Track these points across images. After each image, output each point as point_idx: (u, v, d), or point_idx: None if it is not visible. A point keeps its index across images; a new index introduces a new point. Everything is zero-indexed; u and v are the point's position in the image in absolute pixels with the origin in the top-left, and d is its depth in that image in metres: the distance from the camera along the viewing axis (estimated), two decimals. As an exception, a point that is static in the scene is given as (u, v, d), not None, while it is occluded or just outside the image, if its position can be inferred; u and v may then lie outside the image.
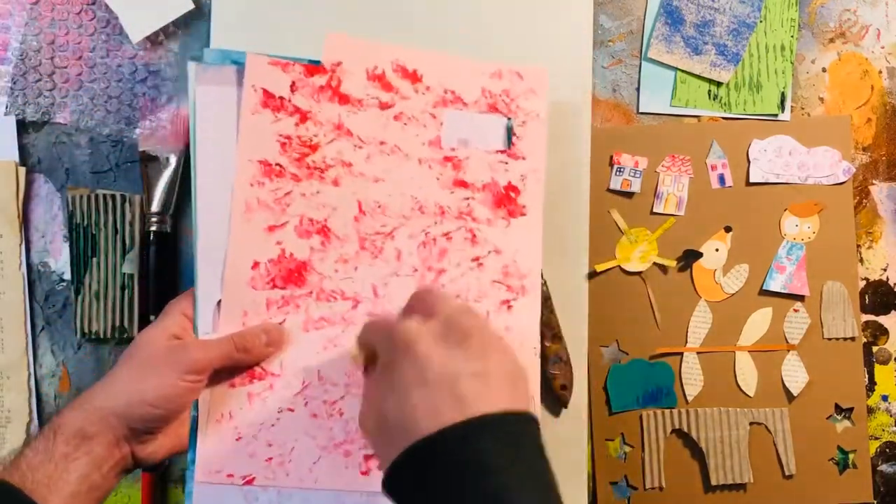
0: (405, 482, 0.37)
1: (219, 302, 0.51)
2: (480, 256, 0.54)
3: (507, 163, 0.55)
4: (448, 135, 0.55)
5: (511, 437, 0.37)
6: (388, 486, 0.38)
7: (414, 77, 0.55)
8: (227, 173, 0.52)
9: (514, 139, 0.55)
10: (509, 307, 0.54)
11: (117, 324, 0.59)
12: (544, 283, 0.58)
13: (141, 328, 0.58)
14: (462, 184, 0.55)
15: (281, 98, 0.52)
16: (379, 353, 0.43)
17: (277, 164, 0.52)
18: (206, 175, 0.52)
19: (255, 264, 0.52)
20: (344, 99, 0.53)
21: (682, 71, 0.63)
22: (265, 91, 0.52)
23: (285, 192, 0.52)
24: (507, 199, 0.55)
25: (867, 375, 0.65)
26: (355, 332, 0.50)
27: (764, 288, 0.64)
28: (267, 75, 0.52)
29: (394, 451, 0.37)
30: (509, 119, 0.56)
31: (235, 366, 0.51)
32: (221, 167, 0.52)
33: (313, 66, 0.53)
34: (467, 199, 0.55)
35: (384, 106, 0.54)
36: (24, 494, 0.43)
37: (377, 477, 0.47)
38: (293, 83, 0.53)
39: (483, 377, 0.38)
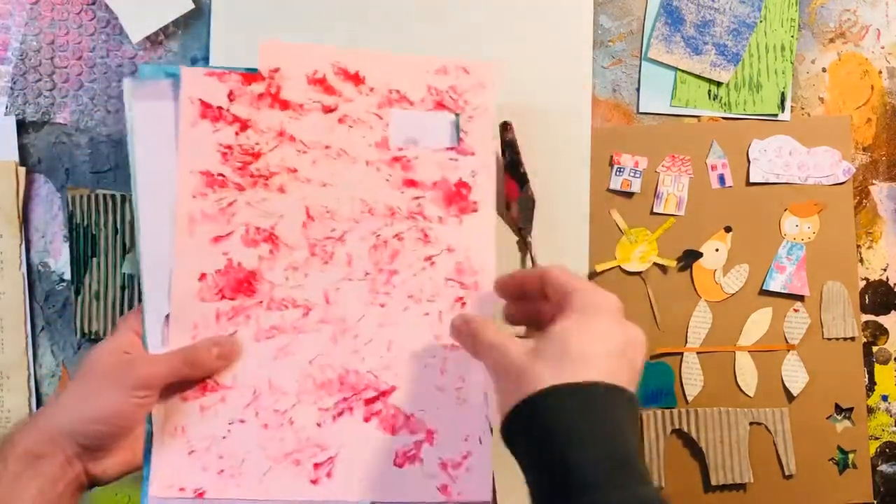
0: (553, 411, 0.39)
1: (167, 316, 0.51)
2: (433, 255, 0.54)
3: (456, 160, 0.55)
4: (395, 135, 0.54)
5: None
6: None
7: (356, 79, 0.54)
8: (169, 187, 0.51)
9: (462, 135, 0.55)
10: (463, 304, 0.54)
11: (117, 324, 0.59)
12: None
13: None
14: (412, 183, 0.54)
15: (219, 108, 0.52)
16: (567, 301, 0.43)
17: (220, 175, 0.52)
18: (146, 189, 0.51)
19: (203, 276, 0.51)
20: (284, 105, 0.53)
21: (682, 71, 0.63)
22: (202, 102, 0.52)
23: (229, 201, 0.52)
24: (458, 196, 0.55)
25: (867, 375, 0.65)
26: (306, 341, 0.51)
27: (764, 288, 0.64)
28: (203, 86, 0.52)
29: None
30: (456, 115, 0.55)
31: (186, 380, 0.50)
32: (163, 181, 0.51)
33: (250, 75, 0.53)
34: (417, 198, 0.54)
35: (327, 109, 0.54)
36: None
37: (326, 486, 0.51)
38: (231, 92, 0.52)
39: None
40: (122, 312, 0.59)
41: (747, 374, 0.63)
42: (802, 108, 0.64)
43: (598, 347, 0.40)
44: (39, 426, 0.46)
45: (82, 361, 0.49)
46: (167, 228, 0.51)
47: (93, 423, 0.46)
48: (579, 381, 0.38)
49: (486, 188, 0.55)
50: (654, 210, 0.63)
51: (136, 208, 0.51)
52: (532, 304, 0.48)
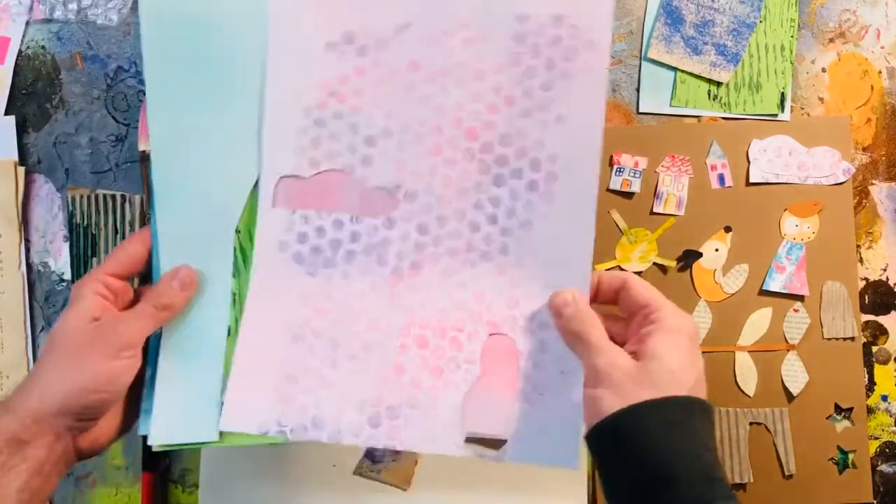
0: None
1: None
2: None
3: None
4: None
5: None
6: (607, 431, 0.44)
7: None
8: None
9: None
10: None
11: (117, 324, 0.59)
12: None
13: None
14: None
15: None
16: (659, 318, 0.46)
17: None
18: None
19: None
20: None
21: (682, 71, 0.63)
22: None
23: None
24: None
25: (867, 375, 0.65)
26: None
27: (764, 288, 0.64)
28: None
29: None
30: None
31: (162, 324, 0.50)
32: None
33: None
34: None
35: None
36: None
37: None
38: None
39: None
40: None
41: (747, 374, 0.63)
42: (802, 108, 0.64)
43: (689, 369, 0.45)
44: (21, 413, 0.45)
45: (49, 339, 0.47)
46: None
47: (88, 394, 0.46)
48: (681, 394, 0.43)
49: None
50: (654, 210, 0.63)
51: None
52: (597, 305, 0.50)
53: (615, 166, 0.63)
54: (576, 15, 0.50)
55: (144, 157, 0.59)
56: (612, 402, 0.43)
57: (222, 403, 0.51)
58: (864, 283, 0.65)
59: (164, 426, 0.50)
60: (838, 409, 0.64)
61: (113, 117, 0.61)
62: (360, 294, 0.52)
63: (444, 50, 0.51)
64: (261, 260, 0.52)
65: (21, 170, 0.60)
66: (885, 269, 0.65)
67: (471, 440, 0.51)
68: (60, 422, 0.45)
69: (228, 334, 0.52)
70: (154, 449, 0.50)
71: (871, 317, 0.65)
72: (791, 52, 0.64)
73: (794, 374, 0.63)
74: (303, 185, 0.52)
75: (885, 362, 0.65)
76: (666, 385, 0.43)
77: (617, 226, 0.63)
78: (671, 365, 0.44)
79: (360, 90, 0.52)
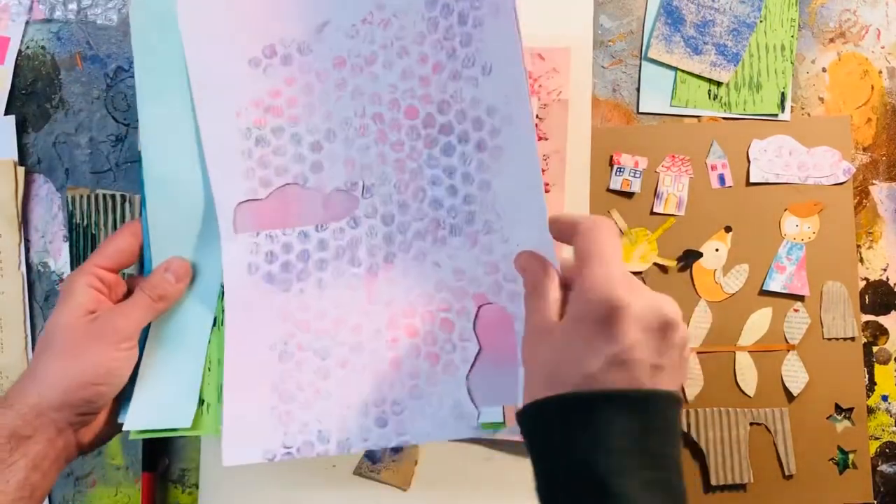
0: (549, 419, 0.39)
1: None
2: None
3: None
4: None
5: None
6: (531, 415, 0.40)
7: None
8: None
9: (536, 120, 0.56)
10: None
11: (117, 324, 0.59)
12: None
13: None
14: None
15: None
16: (576, 302, 0.42)
17: None
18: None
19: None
20: None
21: (682, 71, 0.63)
22: None
23: None
24: None
25: (867, 375, 0.65)
26: None
27: (764, 288, 0.63)
28: None
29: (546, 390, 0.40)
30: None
31: (158, 315, 0.51)
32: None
33: None
34: None
35: None
36: None
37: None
38: None
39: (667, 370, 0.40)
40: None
41: (747, 374, 0.63)
42: (802, 108, 0.64)
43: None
44: (21, 407, 0.45)
45: (45, 335, 0.48)
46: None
47: (90, 386, 0.46)
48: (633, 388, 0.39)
49: (558, 171, 0.57)
50: (654, 210, 0.63)
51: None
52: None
53: (615, 166, 0.63)
54: None
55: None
56: (555, 382, 0.40)
57: (202, 401, 0.51)
58: (864, 283, 0.65)
59: (140, 412, 0.50)
60: (839, 409, 0.64)
61: (113, 117, 0.61)
62: (337, 300, 0.52)
63: (365, 38, 0.51)
64: (231, 286, 0.51)
65: (21, 170, 0.60)
66: (885, 269, 0.65)
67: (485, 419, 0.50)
68: (62, 416, 0.46)
69: (214, 324, 0.52)
70: (130, 437, 0.50)
71: (871, 317, 0.65)
72: (791, 51, 0.64)
73: (795, 374, 0.63)
74: (261, 207, 0.51)
75: (886, 362, 0.65)
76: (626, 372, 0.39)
77: (617, 226, 0.63)
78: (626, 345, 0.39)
79: (294, 99, 0.51)
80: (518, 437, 0.45)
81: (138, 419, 0.50)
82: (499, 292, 0.51)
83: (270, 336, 0.51)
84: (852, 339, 0.64)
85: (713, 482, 0.62)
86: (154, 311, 0.50)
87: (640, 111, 0.64)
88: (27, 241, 0.61)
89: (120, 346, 0.47)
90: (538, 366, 0.42)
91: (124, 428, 0.50)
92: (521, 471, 0.59)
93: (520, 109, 0.50)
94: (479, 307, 0.51)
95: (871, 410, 0.65)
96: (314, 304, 0.52)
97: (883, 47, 0.65)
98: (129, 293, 0.51)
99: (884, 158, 0.65)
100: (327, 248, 0.52)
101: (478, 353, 0.51)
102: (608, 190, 0.63)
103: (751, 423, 0.63)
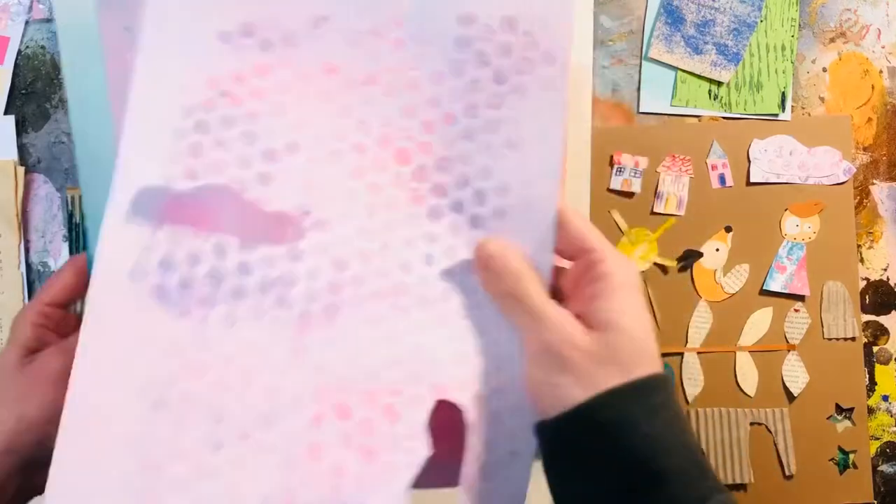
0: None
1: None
2: None
3: None
4: None
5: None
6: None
7: None
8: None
9: None
10: None
11: (117, 324, 0.59)
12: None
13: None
14: None
15: None
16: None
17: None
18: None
19: None
20: None
21: (683, 71, 0.63)
22: None
23: None
24: None
25: (867, 375, 0.65)
26: None
27: (764, 288, 0.63)
28: None
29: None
30: None
31: None
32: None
33: None
34: None
35: None
36: None
37: None
38: None
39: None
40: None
41: (748, 374, 0.63)
42: (803, 108, 0.64)
43: (651, 334, 0.37)
44: None
45: None
46: None
47: (41, 425, 0.44)
48: (646, 375, 0.36)
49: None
50: (655, 210, 0.63)
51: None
52: None
53: (615, 166, 0.63)
54: (530, 18, 0.40)
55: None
56: (576, 391, 0.36)
57: None
58: (864, 282, 0.65)
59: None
60: (839, 409, 0.64)
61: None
62: (252, 346, 0.39)
63: (369, 52, 0.41)
64: (100, 289, 0.38)
65: (20, 170, 0.60)
66: (885, 269, 0.65)
67: None
68: (12, 461, 0.44)
69: None
70: None
71: (871, 317, 0.65)
72: (792, 51, 0.64)
73: (795, 374, 0.63)
74: (173, 199, 0.39)
75: (886, 362, 0.65)
76: (635, 362, 0.36)
77: (617, 226, 0.63)
78: (636, 335, 0.37)
79: (260, 92, 0.41)
80: None
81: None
82: (463, 390, 0.39)
83: (144, 373, 0.37)
84: (853, 339, 0.64)
85: (713, 482, 0.62)
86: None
87: (641, 111, 0.64)
88: (27, 241, 0.61)
89: (60, 385, 0.41)
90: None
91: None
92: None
93: (543, 200, 0.41)
94: (438, 401, 0.38)
95: (871, 410, 0.65)
96: (217, 343, 0.38)
97: (883, 47, 0.65)
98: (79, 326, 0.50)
99: (884, 158, 0.65)
100: (250, 274, 0.39)
101: (426, 461, 0.37)
102: (608, 190, 0.63)
103: (751, 423, 0.63)
